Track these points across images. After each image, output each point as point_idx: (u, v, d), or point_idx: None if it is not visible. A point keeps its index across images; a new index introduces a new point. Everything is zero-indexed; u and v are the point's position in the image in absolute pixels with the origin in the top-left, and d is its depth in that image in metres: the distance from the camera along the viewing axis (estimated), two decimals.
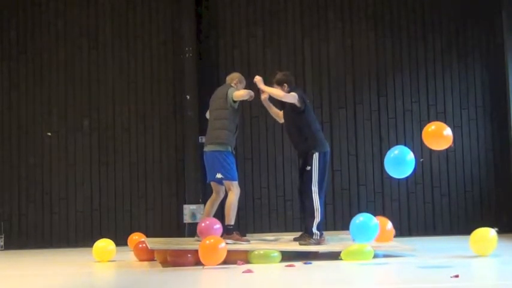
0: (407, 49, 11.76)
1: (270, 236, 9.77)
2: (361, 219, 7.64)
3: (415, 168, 7.45)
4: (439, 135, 7.18)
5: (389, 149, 11.35)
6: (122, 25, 11.86)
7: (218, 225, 7.97)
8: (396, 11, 11.83)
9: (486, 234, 7.63)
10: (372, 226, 7.57)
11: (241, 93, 8.43)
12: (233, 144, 8.54)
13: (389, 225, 8.32)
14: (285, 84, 8.39)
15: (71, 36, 11.82)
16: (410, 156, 7.27)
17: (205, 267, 7.35)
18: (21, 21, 11.83)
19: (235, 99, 8.42)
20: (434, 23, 11.79)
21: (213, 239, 7.41)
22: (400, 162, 7.23)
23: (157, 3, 11.88)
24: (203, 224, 8.00)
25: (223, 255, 7.29)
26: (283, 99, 8.30)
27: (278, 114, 8.80)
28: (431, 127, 7.32)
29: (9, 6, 11.84)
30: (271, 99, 8.73)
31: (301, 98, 8.27)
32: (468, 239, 7.76)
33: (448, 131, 7.18)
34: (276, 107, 8.83)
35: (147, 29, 11.85)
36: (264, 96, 8.69)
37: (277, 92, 8.31)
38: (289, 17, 11.83)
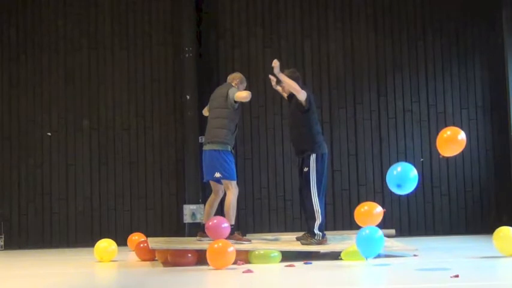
0: (407, 49, 11.77)
1: (269, 236, 9.78)
2: (367, 232, 7.42)
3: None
4: (454, 141, 7.05)
5: (389, 149, 11.54)
6: (122, 25, 11.86)
7: (226, 224, 7.93)
8: (396, 11, 11.84)
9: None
10: (377, 239, 7.35)
11: (243, 95, 8.39)
12: (232, 143, 8.52)
13: (377, 209, 8.19)
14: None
15: (71, 36, 11.83)
16: (413, 172, 7.13)
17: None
18: (21, 21, 11.83)
19: (236, 100, 8.40)
20: (434, 23, 11.80)
21: (221, 243, 7.34)
22: (404, 180, 7.08)
23: (157, 3, 11.89)
24: (210, 223, 7.95)
25: (232, 259, 7.25)
26: (297, 94, 8.22)
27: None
28: (447, 132, 7.18)
29: (9, 6, 11.84)
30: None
31: (308, 98, 8.26)
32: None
33: (462, 135, 7.07)
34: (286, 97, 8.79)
35: (147, 29, 11.85)
36: (274, 83, 8.66)
37: (293, 84, 8.20)
38: (289, 17, 11.84)
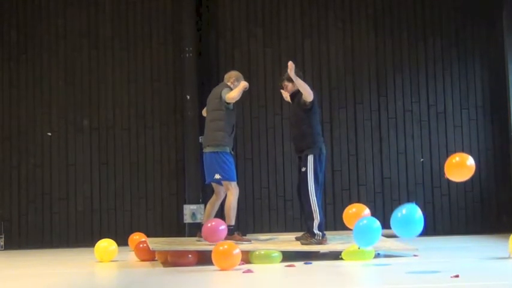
0: (407, 49, 11.76)
1: (265, 236, 9.74)
2: (365, 222, 7.50)
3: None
4: (463, 166, 7.09)
5: (389, 149, 11.53)
6: (122, 25, 11.86)
7: (223, 226, 7.94)
8: (396, 11, 11.84)
9: None
10: (375, 228, 7.44)
11: (233, 95, 8.35)
12: (231, 144, 8.52)
13: (366, 211, 8.27)
14: None
15: (71, 36, 11.82)
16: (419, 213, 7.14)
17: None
18: (21, 21, 11.83)
19: (228, 102, 8.39)
20: (434, 23, 11.80)
21: (227, 245, 7.31)
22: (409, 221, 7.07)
23: (157, 3, 11.88)
24: (209, 225, 7.95)
25: (238, 261, 7.23)
26: (307, 95, 8.22)
27: None
28: (456, 158, 7.23)
29: (9, 6, 11.84)
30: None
31: (313, 98, 8.28)
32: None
33: (471, 161, 7.12)
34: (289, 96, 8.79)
35: (147, 29, 11.85)
36: (285, 95, 8.68)
37: (304, 86, 8.21)
38: (289, 17, 11.84)
